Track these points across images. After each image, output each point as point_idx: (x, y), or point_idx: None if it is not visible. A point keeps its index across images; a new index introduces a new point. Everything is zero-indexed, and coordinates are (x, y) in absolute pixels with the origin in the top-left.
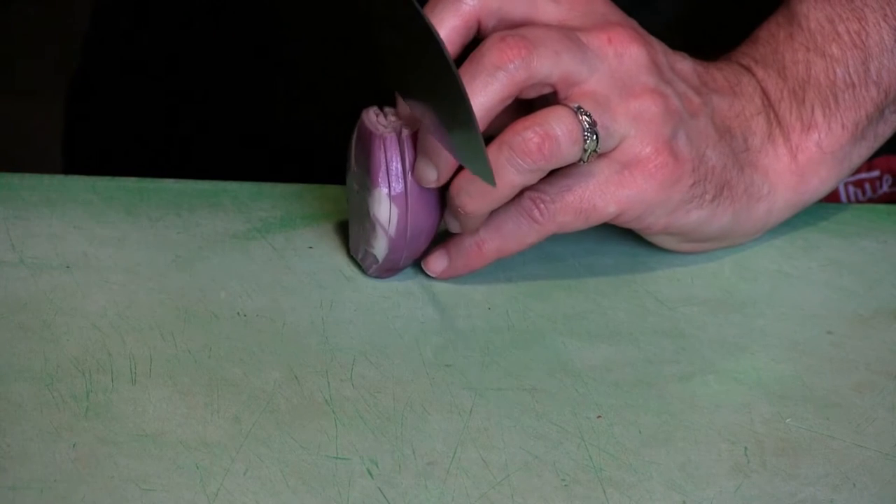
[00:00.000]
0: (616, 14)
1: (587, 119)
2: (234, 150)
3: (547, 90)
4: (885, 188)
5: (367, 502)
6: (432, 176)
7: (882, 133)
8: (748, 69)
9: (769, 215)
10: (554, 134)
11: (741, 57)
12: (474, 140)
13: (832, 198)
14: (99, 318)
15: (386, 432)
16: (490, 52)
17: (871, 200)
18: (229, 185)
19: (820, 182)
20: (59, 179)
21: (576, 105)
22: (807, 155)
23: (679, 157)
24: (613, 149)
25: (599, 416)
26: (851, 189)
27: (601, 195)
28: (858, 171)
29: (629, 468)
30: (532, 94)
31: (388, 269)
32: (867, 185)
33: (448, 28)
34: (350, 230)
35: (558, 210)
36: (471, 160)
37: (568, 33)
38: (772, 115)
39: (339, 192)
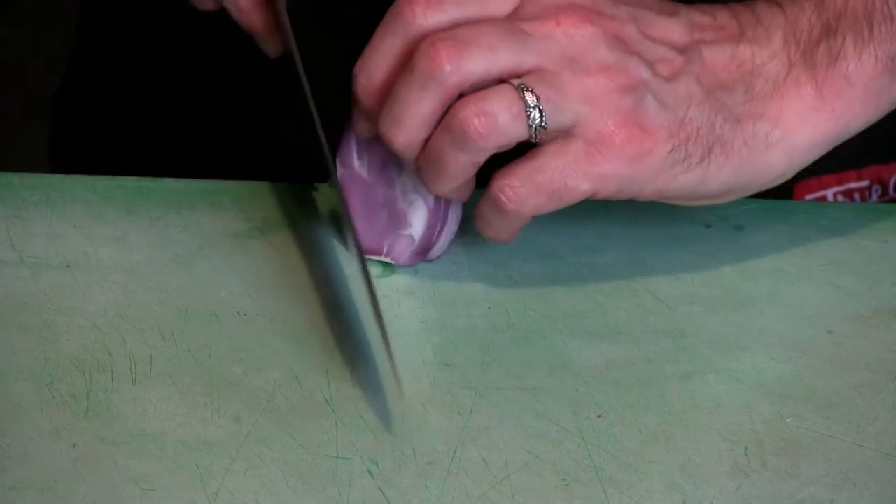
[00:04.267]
0: None
1: (531, 95)
2: (235, 150)
3: (495, 84)
4: (875, 198)
5: (367, 502)
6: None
7: None
8: (780, 5)
9: (790, 159)
10: (490, 111)
11: None
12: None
13: (819, 198)
14: (99, 317)
15: (386, 432)
16: (420, 61)
17: None
18: (230, 184)
19: (852, 116)
20: (59, 179)
21: (518, 82)
22: (834, 88)
23: (647, 128)
24: (573, 126)
25: (599, 416)
26: (841, 199)
27: (572, 174)
28: (848, 179)
29: (629, 468)
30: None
31: (423, 251)
32: (856, 195)
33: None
34: (358, 233)
35: (529, 193)
36: None
37: (507, 25)
38: (794, 54)
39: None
